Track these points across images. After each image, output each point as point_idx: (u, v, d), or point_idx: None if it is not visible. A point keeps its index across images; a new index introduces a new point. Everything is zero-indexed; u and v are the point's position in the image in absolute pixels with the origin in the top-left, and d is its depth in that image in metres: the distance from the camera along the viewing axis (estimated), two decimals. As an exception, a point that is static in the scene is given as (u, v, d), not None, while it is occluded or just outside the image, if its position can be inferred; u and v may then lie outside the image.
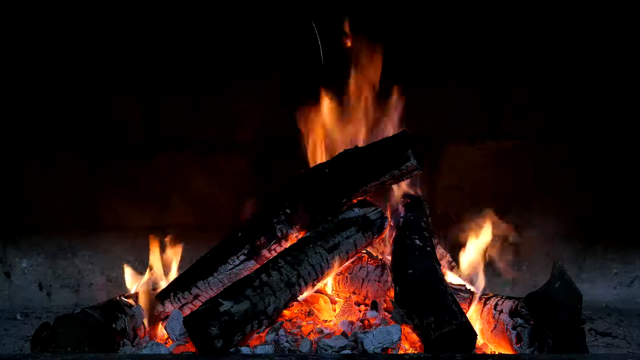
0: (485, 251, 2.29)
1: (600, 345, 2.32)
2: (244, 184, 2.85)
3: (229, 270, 2.10)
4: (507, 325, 1.85)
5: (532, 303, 1.79)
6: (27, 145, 2.88)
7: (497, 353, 1.88)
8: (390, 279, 2.10)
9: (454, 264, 2.31)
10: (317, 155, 2.35)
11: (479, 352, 1.89)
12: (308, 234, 2.07)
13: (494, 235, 2.30)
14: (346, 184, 2.12)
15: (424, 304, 1.83)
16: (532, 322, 1.78)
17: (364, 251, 2.18)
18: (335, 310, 2.13)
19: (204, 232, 2.69)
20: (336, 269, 2.07)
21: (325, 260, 1.99)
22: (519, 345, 1.80)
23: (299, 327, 1.98)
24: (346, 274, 2.18)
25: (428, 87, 2.82)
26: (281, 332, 1.89)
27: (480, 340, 1.93)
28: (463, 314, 1.78)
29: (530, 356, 1.76)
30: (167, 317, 2.06)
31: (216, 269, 2.11)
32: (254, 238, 2.12)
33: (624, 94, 2.87)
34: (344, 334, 1.90)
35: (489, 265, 2.30)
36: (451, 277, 2.24)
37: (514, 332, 1.81)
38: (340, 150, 2.25)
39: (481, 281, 2.17)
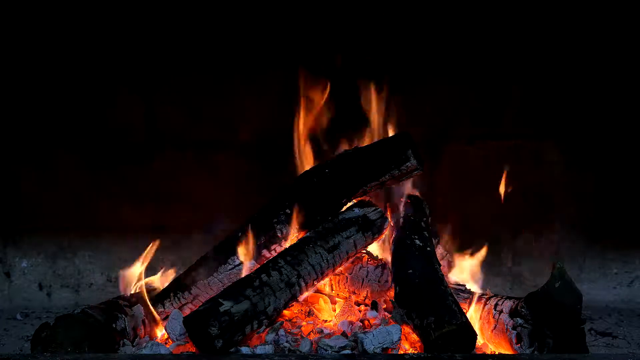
0: (484, 252, 2.29)
1: (600, 345, 2.32)
2: (244, 184, 2.85)
3: (229, 270, 2.10)
4: (507, 325, 1.85)
5: (532, 303, 1.79)
6: (27, 145, 2.88)
7: (497, 353, 1.88)
8: (390, 279, 2.10)
9: (454, 264, 2.31)
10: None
11: (479, 352, 1.89)
12: (308, 234, 2.07)
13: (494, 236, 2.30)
14: (346, 184, 2.12)
15: (424, 304, 1.83)
16: (532, 322, 1.78)
17: (364, 251, 2.18)
18: (335, 310, 2.13)
19: (204, 232, 2.69)
20: (336, 269, 2.07)
21: (325, 260, 1.99)
22: (519, 345, 1.80)
23: (299, 327, 1.98)
24: (346, 274, 2.18)
25: (428, 87, 2.82)
26: (281, 332, 1.89)
27: (480, 340, 1.93)
28: (463, 314, 1.79)
29: (530, 356, 1.76)
30: (167, 317, 2.06)
31: (216, 269, 2.11)
32: (254, 238, 2.12)
33: (624, 95, 2.87)
34: (344, 334, 1.90)
35: (489, 266, 2.30)
36: (451, 277, 2.24)
37: (514, 332, 1.81)
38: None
39: (481, 281, 2.17)
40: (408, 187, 2.35)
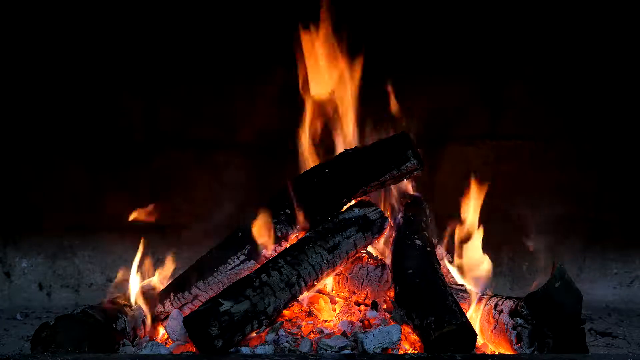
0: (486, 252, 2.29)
1: (600, 345, 2.32)
2: (244, 184, 2.85)
3: (229, 270, 2.10)
4: (507, 325, 1.85)
5: (532, 303, 1.79)
6: (27, 145, 2.88)
7: (497, 353, 1.88)
8: (390, 279, 2.10)
9: (454, 264, 2.31)
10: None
11: (479, 352, 1.89)
12: (308, 234, 2.07)
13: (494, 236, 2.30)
14: (346, 184, 2.12)
15: (424, 304, 1.83)
16: (532, 322, 1.78)
17: (364, 251, 2.18)
18: (335, 310, 2.13)
19: (204, 232, 2.68)
20: (336, 269, 2.07)
21: (325, 260, 1.99)
22: (519, 345, 1.80)
23: (299, 327, 1.98)
24: (346, 274, 2.18)
25: (428, 87, 2.82)
26: (281, 332, 1.89)
27: (480, 340, 1.93)
28: (463, 314, 1.79)
29: (530, 356, 1.76)
30: (167, 317, 2.06)
31: (216, 269, 2.11)
32: (254, 238, 2.12)
33: (624, 94, 2.87)
34: (344, 334, 1.90)
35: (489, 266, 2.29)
36: (451, 277, 2.24)
37: (514, 332, 1.81)
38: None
39: (481, 281, 2.17)
40: (408, 187, 2.35)
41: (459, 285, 2.15)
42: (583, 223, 2.93)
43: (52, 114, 2.85)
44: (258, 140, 2.86)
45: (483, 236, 2.23)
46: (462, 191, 2.89)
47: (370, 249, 2.22)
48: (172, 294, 2.12)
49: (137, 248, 2.23)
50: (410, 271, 1.95)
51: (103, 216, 2.91)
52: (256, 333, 1.85)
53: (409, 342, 1.89)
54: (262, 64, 2.82)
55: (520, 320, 1.80)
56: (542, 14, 2.79)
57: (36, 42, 2.80)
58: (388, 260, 2.15)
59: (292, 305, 2.01)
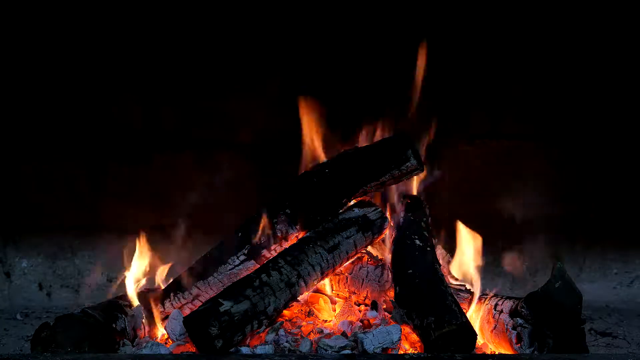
0: (484, 252, 2.29)
1: (600, 345, 2.32)
2: (244, 184, 2.85)
3: (229, 270, 2.10)
4: (507, 325, 1.85)
5: (532, 303, 1.79)
6: (27, 145, 2.88)
7: (497, 353, 1.88)
8: (390, 279, 2.10)
9: (454, 265, 2.31)
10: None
11: (479, 352, 1.90)
12: (308, 234, 2.08)
13: (494, 236, 2.30)
14: (346, 184, 2.12)
15: (424, 304, 1.83)
16: (532, 322, 1.78)
17: (364, 251, 2.18)
18: (335, 310, 2.13)
19: (204, 232, 2.69)
20: (336, 269, 2.07)
21: (325, 260, 1.99)
22: (519, 345, 1.80)
23: (299, 327, 1.98)
24: (346, 274, 2.18)
25: (428, 87, 2.82)
26: (281, 332, 1.89)
27: (480, 340, 1.93)
28: (463, 314, 1.79)
29: (530, 356, 1.76)
30: (167, 317, 2.06)
31: (216, 269, 2.11)
32: (254, 238, 2.12)
33: (623, 95, 2.87)
34: (344, 334, 1.90)
35: (489, 266, 2.29)
36: (451, 277, 2.24)
37: (514, 332, 1.81)
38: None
39: (481, 281, 2.17)
40: (408, 187, 2.35)
41: (459, 285, 2.15)
42: (583, 223, 2.93)
43: (53, 114, 2.85)
44: (258, 140, 2.85)
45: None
46: (462, 191, 2.90)
47: (370, 249, 2.22)
48: (172, 294, 2.12)
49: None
50: (410, 271, 1.96)
51: (103, 216, 2.91)
52: (256, 333, 1.85)
53: (409, 342, 1.89)
54: (263, 64, 2.82)
55: (520, 320, 1.81)
56: (542, 15, 2.79)
57: (38, 44, 2.80)
58: (388, 260, 2.15)
59: (292, 305, 2.01)
